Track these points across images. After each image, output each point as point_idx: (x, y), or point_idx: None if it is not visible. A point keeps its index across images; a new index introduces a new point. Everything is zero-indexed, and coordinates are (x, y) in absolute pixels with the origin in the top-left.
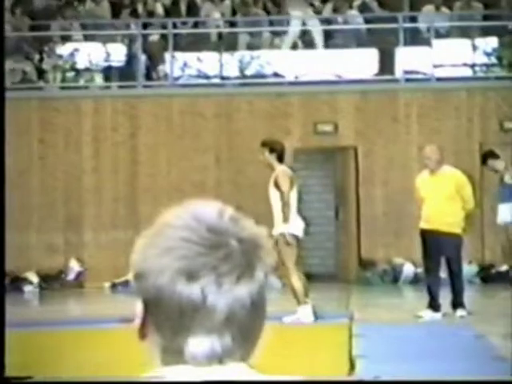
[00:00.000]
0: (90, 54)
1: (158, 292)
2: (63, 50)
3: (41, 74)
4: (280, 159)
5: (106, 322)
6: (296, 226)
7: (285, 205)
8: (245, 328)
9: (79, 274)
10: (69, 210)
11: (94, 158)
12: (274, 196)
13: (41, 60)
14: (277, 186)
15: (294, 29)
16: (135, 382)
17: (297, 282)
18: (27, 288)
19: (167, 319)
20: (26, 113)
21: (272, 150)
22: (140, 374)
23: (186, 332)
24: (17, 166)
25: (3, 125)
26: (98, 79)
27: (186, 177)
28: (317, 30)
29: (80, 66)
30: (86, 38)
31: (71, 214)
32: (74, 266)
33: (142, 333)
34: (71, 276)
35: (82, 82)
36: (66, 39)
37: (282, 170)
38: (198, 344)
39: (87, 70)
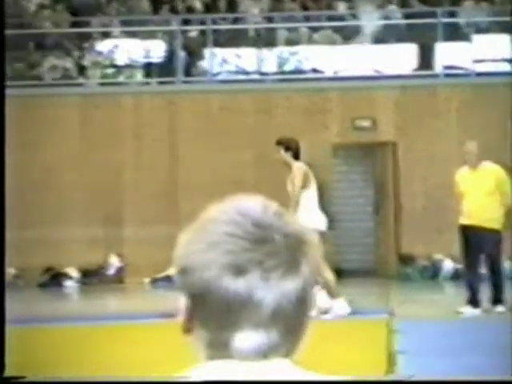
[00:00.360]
0: (129, 50)
1: (205, 287)
2: (103, 46)
3: (81, 70)
4: (296, 157)
5: (146, 318)
6: (318, 221)
7: (294, 200)
8: (291, 323)
9: (119, 270)
10: (109, 206)
11: (134, 153)
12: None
13: (81, 56)
14: (293, 182)
15: (370, 23)
16: (135, 382)
17: (329, 275)
18: (67, 283)
19: (214, 314)
20: (66, 109)
21: (287, 148)
22: (181, 368)
23: (233, 327)
24: (57, 162)
25: (3, 124)
26: (138, 75)
27: (225, 172)
28: (370, 26)
29: (120, 62)
30: (126, 35)
31: (111, 210)
32: (114, 262)
33: (187, 327)
34: (111, 271)
35: (121, 79)
36: (106, 35)
37: (296, 167)
38: (245, 339)
39: (127, 66)
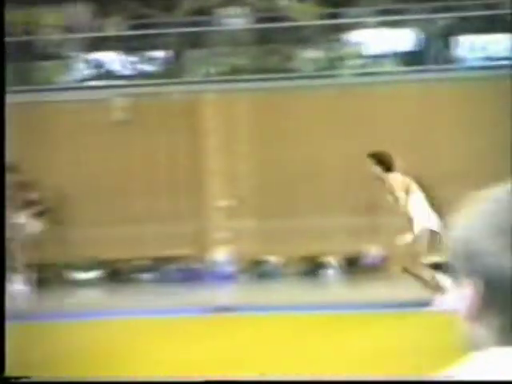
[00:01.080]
0: (381, 39)
1: (500, 272)
2: (355, 36)
3: (335, 61)
4: (389, 169)
5: (412, 306)
6: (430, 222)
7: (403, 210)
8: None
9: (378, 258)
10: (369, 195)
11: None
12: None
13: (335, 48)
14: (392, 193)
15: None
16: (135, 382)
17: (425, 272)
18: (328, 271)
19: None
20: (321, 100)
21: (379, 162)
22: (454, 358)
23: None
24: (316, 152)
25: (3, 124)
26: (391, 65)
27: (464, 162)
28: None
29: (373, 52)
30: (379, 24)
31: (371, 199)
32: (374, 250)
33: (475, 314)
34: (370, 260)
35: (375, 69)
36: (359, 26)
37: (391, 178)
38: None
39: (380, 56)
